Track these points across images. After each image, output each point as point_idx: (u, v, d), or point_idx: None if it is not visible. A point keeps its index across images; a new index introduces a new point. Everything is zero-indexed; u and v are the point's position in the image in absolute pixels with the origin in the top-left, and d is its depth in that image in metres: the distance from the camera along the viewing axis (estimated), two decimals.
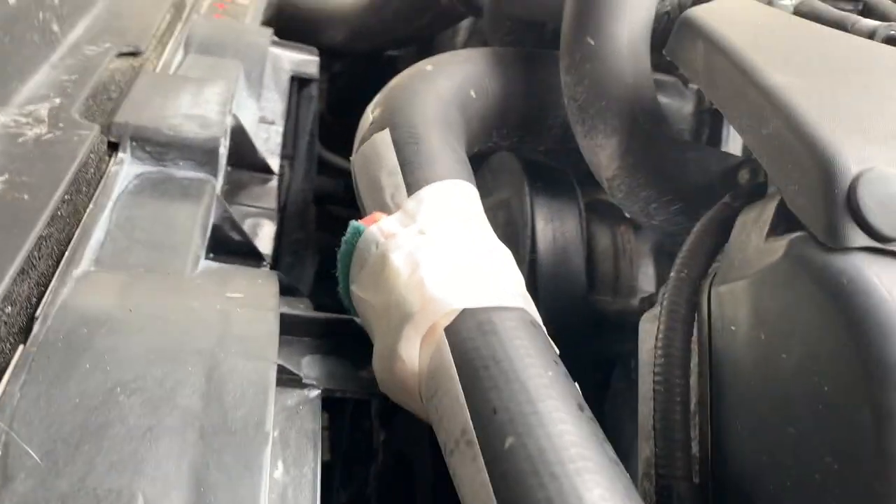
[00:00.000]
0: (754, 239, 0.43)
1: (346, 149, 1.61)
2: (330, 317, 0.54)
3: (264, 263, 0.71)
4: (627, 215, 0.67)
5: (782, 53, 0.51)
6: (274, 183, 0.85)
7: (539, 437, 0.37)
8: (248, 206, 0.79)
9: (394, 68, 1.50)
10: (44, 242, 0.48)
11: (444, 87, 0.64)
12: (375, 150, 0.57)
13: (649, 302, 0.71)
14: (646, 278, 0.82)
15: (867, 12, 0.72)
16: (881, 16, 0.70)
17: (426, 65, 0.67)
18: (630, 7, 0.62)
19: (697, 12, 0.56)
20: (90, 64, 0.71)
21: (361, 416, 0.54)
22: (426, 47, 1.27)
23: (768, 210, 0.44)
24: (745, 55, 0.49)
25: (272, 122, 0.91)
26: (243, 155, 0.83)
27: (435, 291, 0.45)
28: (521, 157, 0.82)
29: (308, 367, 0.50)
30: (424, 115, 0.60)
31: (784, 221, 0.43)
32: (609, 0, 0.61)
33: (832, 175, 0.39)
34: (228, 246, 0.68)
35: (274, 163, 0.87)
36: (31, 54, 0.65)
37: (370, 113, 0.61)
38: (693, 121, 0.78)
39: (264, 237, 0.75)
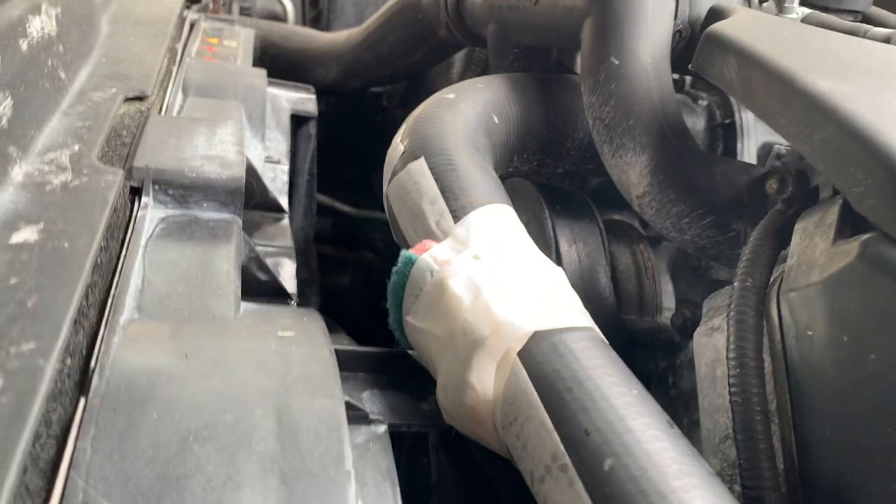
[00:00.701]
0: (820, 243, 0.43)
1: (331, 187, 1.60)
2: (383, 351, 0.52)
3: (291, 302, 0.69)
4: (658, 232, 0.67)
5: (817, 61, 0.52)
6: (286, 222, 0.84)
7: (638, 456, 0.37)
8: (266, 245, 0.77)
9: (379, 105, 1.51)
10: (90, 291, 0.46)
11: (470, 114, 0.64)
12: (412, 178, 0.56)
13: (682, 317, 0.71)
14: (666, 295, 0.82)
15: (867, 22, 0.74)
16: (881, 25, 0.72)
17: (448, 93, 0.67)
18: (651, 26, 0.62)
19: (723, 27, 0.57)
20: (100, 110, 0.69)
21: (419, 452, 0.53)
22: (416, 82, 1.27)
23: (830, 214, 0.44)
24: (784, 64, 0.50)
25: (278, 162, 0.90)
26: (255, 195, 0.81)
27: (504, 315, 0.44)
28: (534, 182, 0.82)
29: (370, 402, 0.49)
30: (456, 141, 0.59)
31: (850, 224, 0.43)
32: (630, 20, 0.62)
33: None
34: (255, 286, 0.67)
35: (284, 201, 0.85)
36: (43, 102, 0.64)
37: (399, 143, 0.60)
38: (706, 136, 0.79)
39: (287, 276, 0.74)
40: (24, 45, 0.61)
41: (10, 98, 0.56)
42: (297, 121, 1.05)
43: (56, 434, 0.37)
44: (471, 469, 0.54)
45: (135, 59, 0.86)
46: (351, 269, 1.52)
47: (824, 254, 0.42)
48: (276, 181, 0.88)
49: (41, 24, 0.66)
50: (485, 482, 0.57)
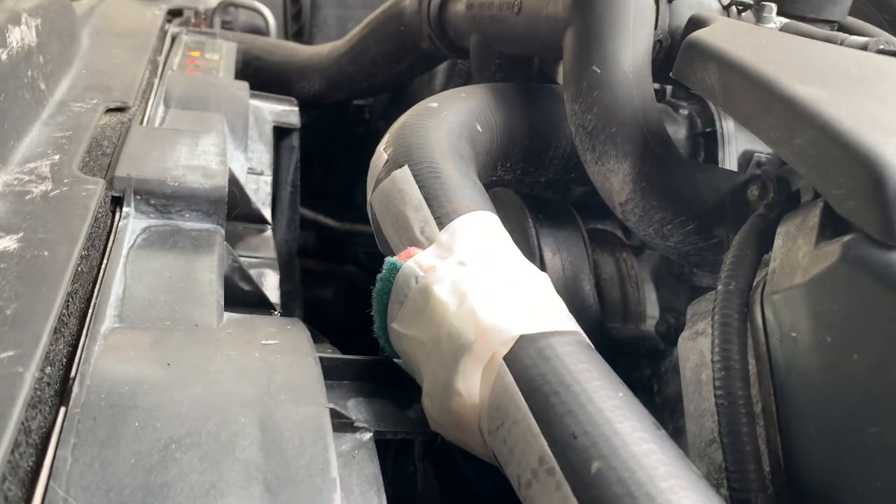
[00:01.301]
0: (803, 245, 0.44)
1: (315, 201, 1.59)
2: (368, 359, 0.52)
3: (274, 312, 0.69)
4: (641, 239, 0.67)
5: (796, 67, 0.52)
6: (269, 233, 0.84)
7: (626, 458, 0.36)
8: (249, 256, 0.77)
9: (362, 118, 1.51)
10: (70, 299, 0.45)
11: (453, 122, 0.64)
12: (397, 186, 0.56)
13: (666, 324, 0.71)
14: (649, 303, 0.83)
15: (842, 31, 0.75)
16: (857, 34, 0.73)
17: (431, 102, 0.67)
18: (632, 35, 0.63)
19: (703, 35, 0.58)
20: (81, 120, 0.69)
21: (405, 459, 0.52)
22: (399, 94, 1.27)
23: (812, 216, 0.44)
24: (763, 70, 0.50)
25: (261, 173, 0.90)
26: (236, 206, 0.81)
27: (490, 320, 0.44)
28: (518, 191, 0.82)
29: (355, 410, 0.48)
30: (440, 149, 0.59)
31: (831, 226, 0.43)
32: (612, 29, 0.62)
33: (883, 176, 0.39)
34: (238, 296, 0.66)
35: (267, 213, 0.85)
36: (23, 112, 0.63)
37: (383, 152, 0.60)
38: (688, 145, 0.79)
39: (270, 286, 0.73)
40: (3, 55, 0.61)
41: None
42: (280, 133, 1.05)
43: (35, 443, 0.36)
44: (456, 477, 0.54)
45: (116, 70, 0.85)
46: (334, 282, 1.51)
47: (807, 256, 0.43)
48: (259, 192, 0.88)
49: (21, 35, 0.66)
50: (470, 490, 0.57)
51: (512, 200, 0.81)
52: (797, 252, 0.44)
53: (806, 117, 0.45)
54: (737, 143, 0.78)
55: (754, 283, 0.48)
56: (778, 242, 0.46)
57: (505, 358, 0.43)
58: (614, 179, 0.63)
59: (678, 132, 0.79)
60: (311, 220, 1.51)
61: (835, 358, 0.40)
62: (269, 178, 0.89)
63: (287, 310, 1.04)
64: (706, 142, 0.78)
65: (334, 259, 1.56)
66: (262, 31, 1.51)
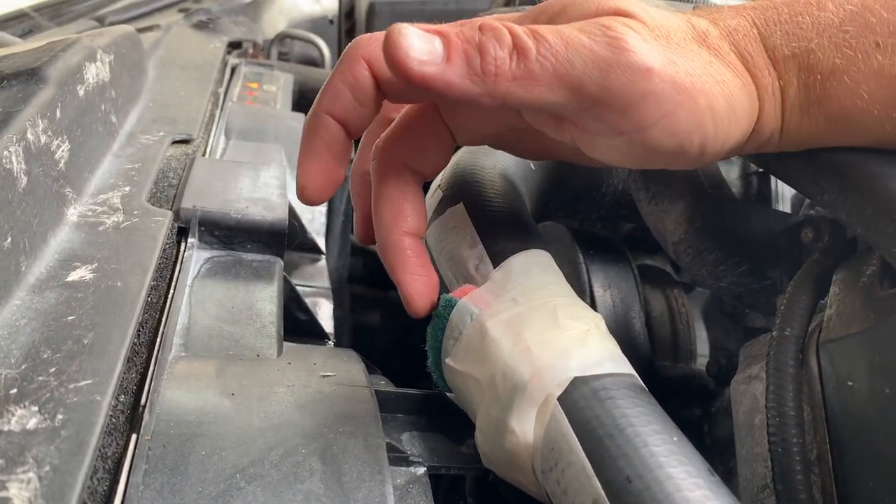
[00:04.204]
0: (860, 294, 0.44)
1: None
2: (422, 392, 0.53)
3: (328, 342, 0.71)
4: (693, 279, 0.67)
5: None
6: (323, 262, 0.86)
7: (679, 503, 0.37)
8: (303, 285, 0.79)
9: None
10: (141, 329, 0.48)
11: (507, 161, 0.65)
12: (451, 223, 0.57)
13: (717, 364, 0.71)
14: (699, 342, 0.82)
15: None
16: None
17: None
18: None
19: None
20: (149, 153, 0.72)
21: (456, 495, 0.53)
22: None
23: (870, 264, 0.44)
24: None
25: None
26: (294, 236, 0.83)
27: (544, 360, 0.44)
28: (568, 226, 0.83)
29: (409, 444, 0.49)
30: (494, 187, 0.60)
31: (889, 275, 0.43)
32: None
33: None
34: (294, 325, 0.68)
35: (321, 242, 0.87)
36: (97, 145, 0.66)
37: (438, 189, 0.62)
38: (740, 184, 0.79)
39: (324, 315, 0.75)
40: (80, 91, 0.64)
41: (67, 142, 0.58)
42: None
43: (110, 468, 0.38)
44: None
45: (181, 102, 0.89)
46: (380, 307, 1.53)
47: (864, 305, 0.43)
48: (314, 222, 0.90)
49: (96, 71, 0.69)
50: None
51: (562, 235, 0.82)
52: (854, 300, 0.44)
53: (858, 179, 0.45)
54: None
55: (810, 330, 0.48)
56: (834, 290, 0.46)
57: (559, 399, 0.43)
58: (668, 220, 0.64)
59: (731, 172, 0.79)
60: (359, 247, 1.53)
61: (893, 409, 0.40)
62: (323, 209, 0.91)
63: (338, 336, 1.06)
64: (759, 182, 0.78)
65: (381, 285, 1.58)
66: (316, 63, 1.55)
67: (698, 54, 0.42)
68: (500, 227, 0.56)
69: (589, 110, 0.42)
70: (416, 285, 0.51)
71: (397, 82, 0.45)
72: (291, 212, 0.80)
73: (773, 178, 0.79)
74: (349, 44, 0.47)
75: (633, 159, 0.45)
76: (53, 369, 0.39)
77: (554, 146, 0.52)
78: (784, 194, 0.77)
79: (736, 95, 0.42)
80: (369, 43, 0.46)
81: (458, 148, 0.69)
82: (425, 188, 0.65)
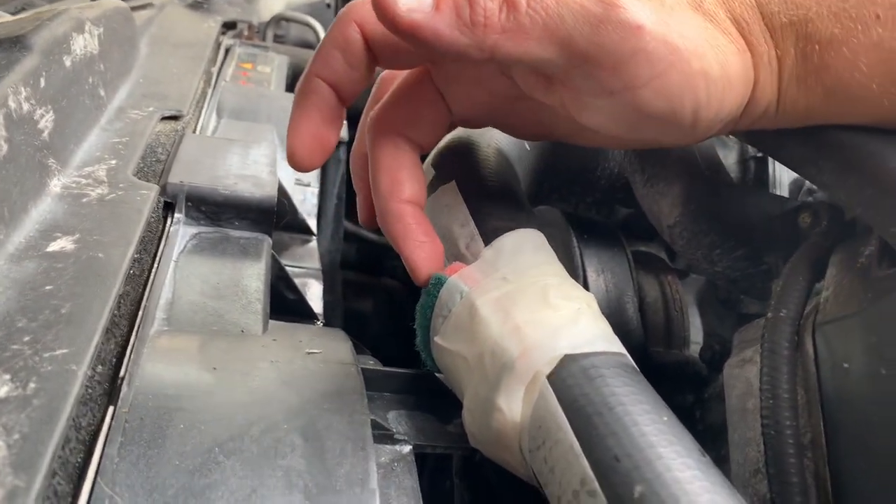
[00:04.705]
0: (858, 275, 0.43)
1: (355, 214, 1.61)
2: (409, 372, 0.52)
3: (317, 322, 0.70)
4: (687, 263, 0.66)
5: None
6: (314, 244, 0.84)
7: (669, 483, 0.36)
8: (293, 266, 0.78)
9: None
10: (122, 301, 0.46)
11: (501, 140, 0.64)
12: (443, 201, 0.56)
13: (711, 350, 0.70)
14: (693, 328, 0.81)
15: None
16: None
17: None
18: None
19: None
20: (137, 127, 0.71)
21: (442, 474, 0.52)
22: None
23: (868, 246, 0.43)
24: None
25: (308, 185, 0.91)
26: (283, 214, 0.82)
27: (534, 338, 0.43)
28: (562, 210, 0.82)
29: (395, 422, 0.48)
30: (488, 166, 0.59)
31: (888, 255, 0.42)
32: None
33: None
34: (283, 304, 0.67)
35: (312, 223, 0.86)
36: (83, 117, 0.65)
37: (431, 167, 0.61)
38: (738, 169, 0.78)
39: (313, 296, 0.74)
40: (67, 62, 0.63)
41: (52, 112, 0.57)
42: None
43: (84, 439, 0.37)
44: (489, 497, 0.53)
45: (172, 79, 0.88)
46: (373, 294, 1.52)
47: (861, 286, 0.42)
48: (306, 203, 0.89)
49: (84, 43, 0.68)
50: None
51: (556, 219, 0.81)
52: (851, 281, 0.43)
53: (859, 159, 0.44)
54: (788, 169, 0.77)
55: (805, 312, 0.47)
56: (831, 271, 0.45)
57: (548, 377, 0.42)
58: (663, 202, 0.63)
59: (728, 156, 0.78)
60: (352, 232, 1.52)
61: (889, 391, 0.39)
62: (315, 190, 0.90)
63: (328, 320, 1.05)
64: (756, 166, 0.77)
65: (374, 272, 1.56)
66: (312, 46, 1.53)
67: (692, 18, 0.41)
68: (492, 206, 0.55)
69: (579, 67, 0.41)
70: (420, 252, 0.50)
71: (388, 44, 0.44)
72: (281, 190, 0.79)
73: (770, 163, 0.78)
74: (342, 8, 0.46)
75: (626, 125, 0.44)
76: (28, 338, 0.38)
77: (548, 120, 0.51)
78: (782, 180, 0.76)
79: (731, 61, 0.41)
80: (362, 6, 0.45)
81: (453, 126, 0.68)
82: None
